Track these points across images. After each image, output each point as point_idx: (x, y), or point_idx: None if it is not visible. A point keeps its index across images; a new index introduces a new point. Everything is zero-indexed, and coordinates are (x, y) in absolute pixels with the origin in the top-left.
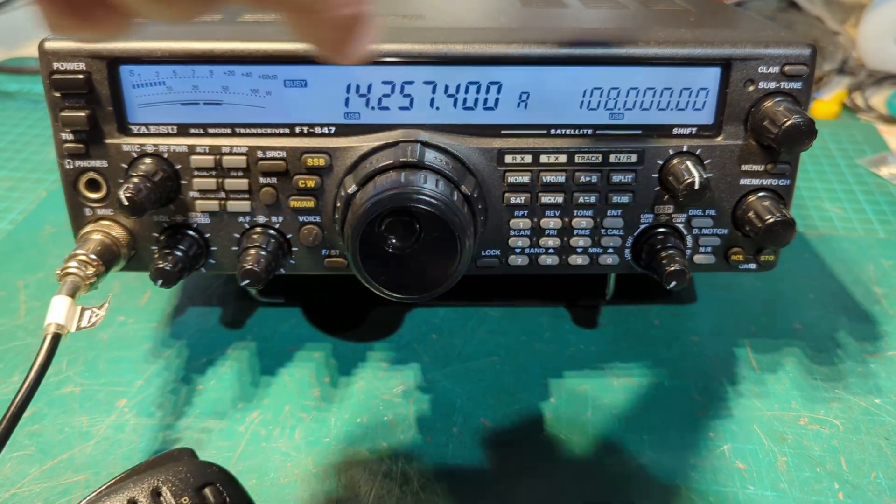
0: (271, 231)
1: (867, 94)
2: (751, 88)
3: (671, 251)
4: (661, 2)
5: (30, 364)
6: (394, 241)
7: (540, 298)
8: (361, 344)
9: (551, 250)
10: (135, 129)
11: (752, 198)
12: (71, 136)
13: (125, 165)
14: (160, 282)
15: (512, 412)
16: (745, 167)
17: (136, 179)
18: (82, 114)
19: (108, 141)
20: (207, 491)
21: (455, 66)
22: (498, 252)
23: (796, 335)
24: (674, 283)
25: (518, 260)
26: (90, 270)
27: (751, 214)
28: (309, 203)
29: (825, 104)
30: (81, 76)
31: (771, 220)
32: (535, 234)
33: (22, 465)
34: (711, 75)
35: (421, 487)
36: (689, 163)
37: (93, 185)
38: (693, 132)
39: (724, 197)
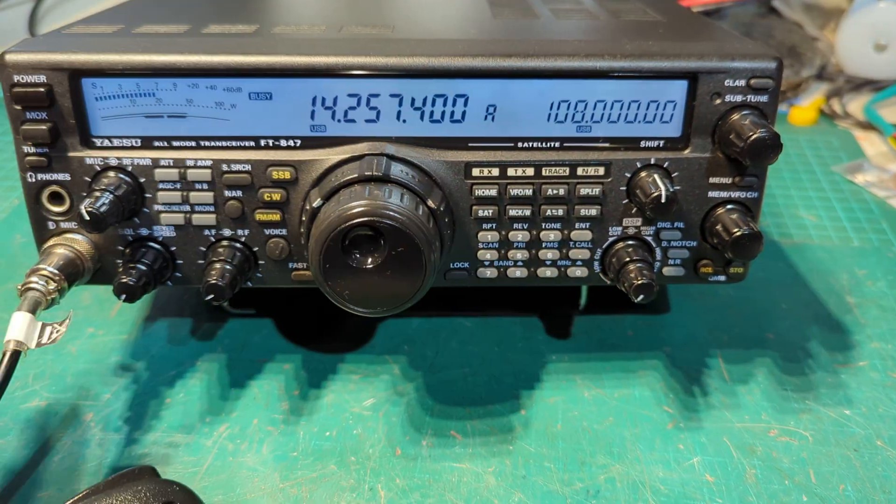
0: (237, 244)
1: (845, 100)
2: (717, 101)
3: (639, 264)
4: (633, 12)
5: None
6: (358, 255)
7: (513, 308)
8: (332, 355)
9: (520, 263)
10: (98, 141)
11: (720, 210)
12: (33, 150)
13: (88, 179)
14: (123, 296)
15: (483, 425)
16: (712, 180)
17: (97, 193)
18: (44, 127)
19: (71, 154)
20: None
21: (421, 79)
22: (467, 265)
23: (768, 345)
24: (641, 297)
25: (487, 272)
26: (52, 285)
27: (718, 227)
28: (275, 216)
29: (803, 111)
30: (43, 89)
31: (738, 234)
32: (504, 246)
33: None
34: (678, 88)
35: (388, 502)
36: (656, 176)
37: (56, 199)
38: (661, 145)
39: (693, 209)
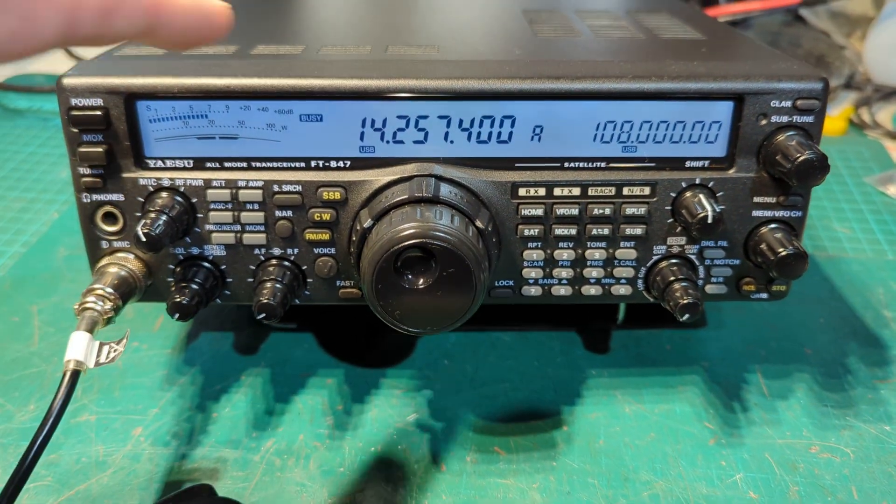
0: (286, 263)
1: (874, 109)
2: (763, 122)
3: (684, 283)
4: (671, 29)
5: (45, 392)
6: (410, 276)
7: (551, 323)
8: (374, 370)
9: (564, 281)
10: (151, 163)
11: (763, 229)
12: (88, 171)
13: (141, 199)
14: (177, 315)
15: (526, 441)
16: (757, 199)
17: (153, 215)
18: (100, 149)
19: (125, 175)
20: None
21: (469, 101)
22: (512, 283)
23: (806, 360)
24: (686, 316)
25: (532, 290)
26: (108, 305)
27: (763, 246)
28: (324, 236)
29: (832, 120)
30: (99, 112)
31: (783, 253)
32: (549, 265)
33: (40, 496)
34: (724, 109)
35: None
36: (701, 196)
37: (109, 218)
38: (706, 165)
39: (737, 228)
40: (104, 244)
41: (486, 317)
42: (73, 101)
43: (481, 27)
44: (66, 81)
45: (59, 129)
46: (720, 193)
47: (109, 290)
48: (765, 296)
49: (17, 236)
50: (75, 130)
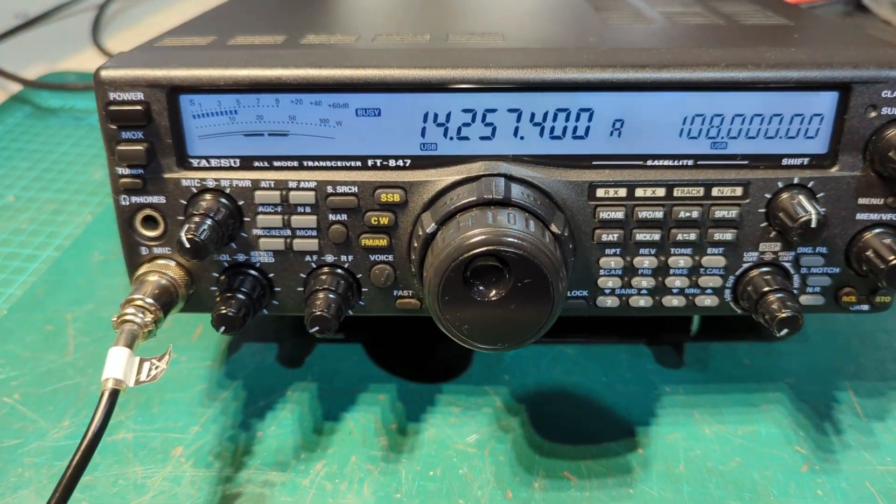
0: (340, 271)
1: None
2: (872, 114)
3: (780, 294)
4: (750, 15)
5: (80, 406)
6: (480, 287)
7: (618, 335)
8: (428, 385)
9: (644, 291)
10: (195, 162)
11: (868, 234)
12: (127, 171)
13: (184, 202)
14: (223, 328)
15: (598, 465)
16: (862, 200)
17: (197, 219)
18: (140, 147)
19: (167, 175)
20: None
21: (542, 93)
22: (586, 293)
23: None
24: (785, 331)
25: (608, 301)
26: (148, 317)
27: (869, 253)
28: (382, 242)
29: None
30: (140, 107)
31: (895, 261)
32: (628, 273)
33: None
34: (828, 100)
35: None
36: (801, 197)
37: (150, 223)
38: (805, 163)
39: (838, 233)
40: (144, 251)
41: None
42: (112, 96)
43: (545, 14)
44: (105, 74)
45: (92, 128)
46: (821, 194)
47: (150, 300)
48: (866, 308)
49: (51, 239)
50: (114, 127)
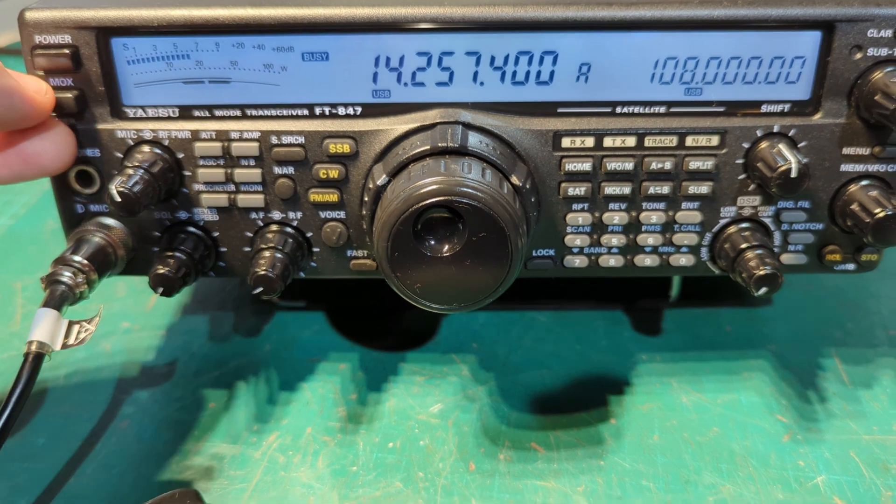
0: (288, 229)
1: None
2: (858, 56)
3: (758, 251)
4: None
5: None
6: (432, 242)
7: (594, 300)
8: (392, 354)
9: (615, 250)
10: (130, 112)
11: (853, 187)
12: None
13: (120, 154)
14: (160, 289)
15: (568, 436)
16: (847, 150)
17: (129, 171)
18: (69, 95)
19: (100, 126)
20: None
21: (503, 33)
22: (552, 252)
23: (891, 343)
24: (764, 290)
25: (576, 261)
26: (80, 277)
27: (854, 207)
28: (332, 196)
29: None
30: (68, 51)
31: (881, 215)
32: (597, 230)
33: (13, 496)
34: (810, 41)
35: None
36: (781, 146)
37: (84, 179)
38: (785, 109)
39: (821, 186)
40: (79, 208)
41: (519, 293)
42: (38, 38)
43: None
44: (29, 15)
45: None
46: (802, 143)
47: (83, 259)
48: (851, 266)
49: (6, 207)
50: (40, 74)
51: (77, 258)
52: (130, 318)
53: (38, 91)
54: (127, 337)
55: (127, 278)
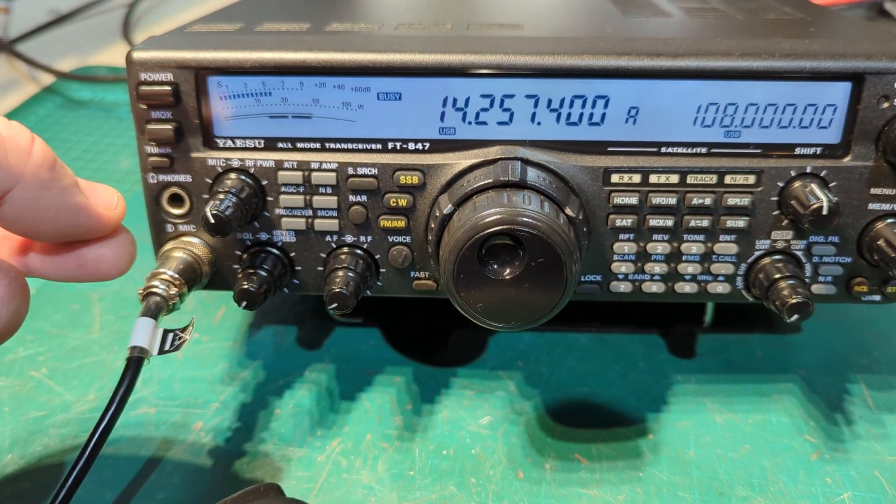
0: (359, 251)
1: None
2: (885, 105)
3: (791, 281)
4: (770, 10)
5: (104, 381)
6: (495, 266)
7: (632, 325)
8: (444, 369)
9: (657, 277)
10: (221, 142)
11: (880, 224)
12: (156, 150)
13: (210, 180)
14: (244, 303)
15: (609, 449)
16: (874, 191)
17: (221, 196)
18: (169, 126)
19: (194, 155)
20: None
21: (560, 79)
22: (599, 278)
23: None
24: (796, 317)
25: (621, 286)
26: (173, 290)
27: (881, 243)
28: (400, 223)
29: None
30: (169, 87)
31: None
32: (641, 259)
33: (98, 490)
34: (841, 91)
35: None
36: (813, 185)
37: (176, 200)
38: (818, 152)
39: (850, 223)
40: (170, 228)
41: (562, 316)
42: (143, 76)
43: (564, 7)
44: (136, 55)
45: (121, 120)
46: (833, 184)
47: (175, 274)
48: (878, 298)
49: None
50: (144, 107)
51: (169, 272)
52: (200, 330)
53: (108, 206)
54: (197, 347)
55: (196, 293)
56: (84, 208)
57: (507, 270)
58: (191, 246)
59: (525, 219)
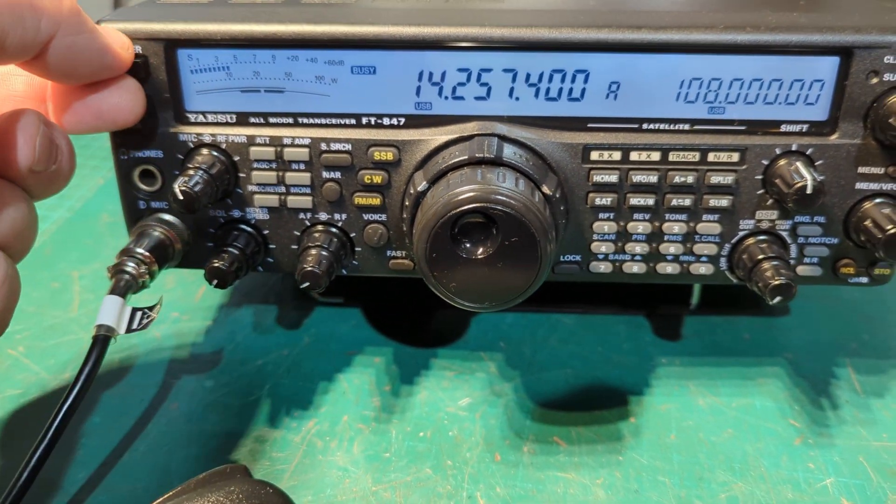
0: (333, 229)
1: None
2: (874, 80)
3: (774, 262)
4: None
5: (81, 360)
6: (468, 245)
7: (617, 306)
8: (424, 350)
9: (638, 257)
10: (192, 117)
11: (868, 204)
12: None
13: (181, 156)
14: (215, 281)
15: (589, 432)
16: (861, 169)
17: (191, 171)
18: None
19: (164, 130)
20: None
21: (538, 53)
22: (579, 258)
23: None
24: (778, 298)
25: (601, 267)
26: (143, 268)
27: (868, 223)
28: (375, 200)
29: None
30: (138, 60)
31: (893, 231)
32: (621, 238)
33: (70, 470)
34: (828, 65)
35: None
36: (798, 164)
37: (147, 177)
38: (804, 129)
39: (836, 202)
40: (141, 204)
41: (545, 297)
42: None
43: None
44: (105, 26)
45: None
46: (819, 162)
47: (145, 251)
48: (864, 280)
49: (63, 201)
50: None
51: (140, 250)
52: (179, 309)
53: (123, 46)
54: (176, 326)
55: (176, 272)
56: (108, 49)
57: (481, 249)
58: (163, 223)
59: (499, 196)
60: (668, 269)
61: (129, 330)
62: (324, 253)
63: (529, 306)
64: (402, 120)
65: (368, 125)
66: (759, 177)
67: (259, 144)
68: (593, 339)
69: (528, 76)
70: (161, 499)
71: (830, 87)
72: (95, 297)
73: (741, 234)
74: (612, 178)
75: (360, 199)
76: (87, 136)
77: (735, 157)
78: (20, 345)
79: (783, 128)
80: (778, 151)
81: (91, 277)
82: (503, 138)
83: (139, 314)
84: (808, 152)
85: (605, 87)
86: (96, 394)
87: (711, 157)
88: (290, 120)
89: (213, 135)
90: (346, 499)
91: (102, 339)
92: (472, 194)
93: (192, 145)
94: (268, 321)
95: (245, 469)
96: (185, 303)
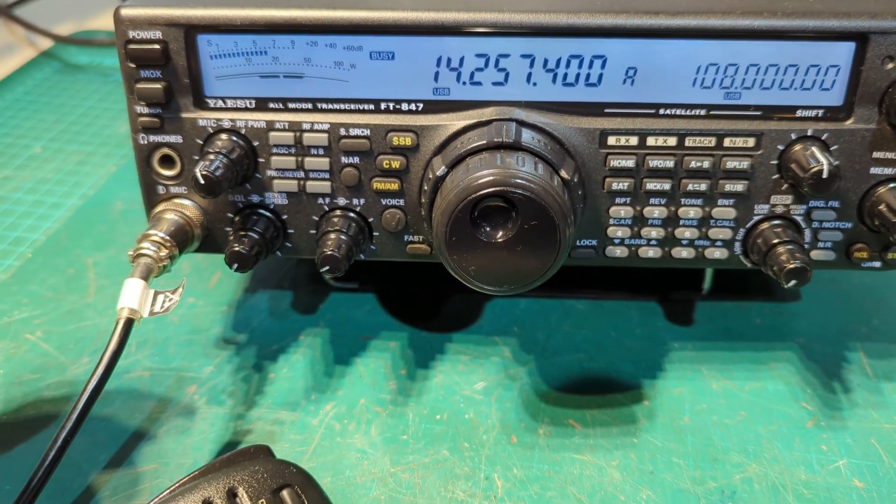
0: (352, 214)
1: None
2: (889, 66)
3: (789, 246)
4: None
5: (99, 345)
6: (487, 228)
7: (630, 291)
8: (439, 334)
9: (654, 241)
10: (211, 102)
11: (882, 189)
12: (146, 110)
13: (200, 141)
14: (235, 265)
15: (603, 415)
16: (876, 154)
17: (211, 156)
18: (158, 86)
19: (184, 115)
20: (285, 493)
21: (556, 38)
22: (595, 242)
23: None
24: (794, 282)
25: (617, 251)
26: (163, 252)
27: (882, 208)
28: (393, 185)
29: None
30: (158, 45)
31: None
32: (637, 223)
33: (91, 451)
34: (844, 51)
35: (506, 494)
36: (814, 148)
37: (167, 162)
38: (819, 114)
39: (851, 187)
40: (161, 189)
41: (558, 282)
42: (131, 34)
43: None
44: (125, 12)
45: (118, 85)
46: (835, 147)
47: (166, 236)
48: (878, 264)
49: (76, 188)
50: (132, 66)
51: (160, 234)
52: (195, 294)
53: None
54: (192, 311)
55: (192, 257)
56: None
57: (500, 233)
58: (182, 208)
59: (518, 180)
60: (683, 253)
61: (152, 313)
62: (343, 237)
63: (542, 292)
64: (421, 105)
65: (387, 111)
66: (775, 162)
67: (278, 130)
68: (606, 324)
69: (545, 62)
70: (188, 476)
71: (846, 73)
72: (111, 282)
73: (756, 218)
74: (629, 162)
75: (379, 184)
76: (98, 124)
77: (751, 142)
78: (38, 329)
79: (799, 113)
80: (793, 136)
81: (106, 264)
82: (521, 123)
83: (161, 297)
84: (823, 137)
85: (623, 72)
86: (114, 378)
87: (727, 142)
88: (309, 105)
89: (232, 120)
90: (365, 480)
91: (127, 321)
92: (492, 178)
93: (211, 130)
94: (283, 306)
95: (268, 449)
96: (200, 288)
